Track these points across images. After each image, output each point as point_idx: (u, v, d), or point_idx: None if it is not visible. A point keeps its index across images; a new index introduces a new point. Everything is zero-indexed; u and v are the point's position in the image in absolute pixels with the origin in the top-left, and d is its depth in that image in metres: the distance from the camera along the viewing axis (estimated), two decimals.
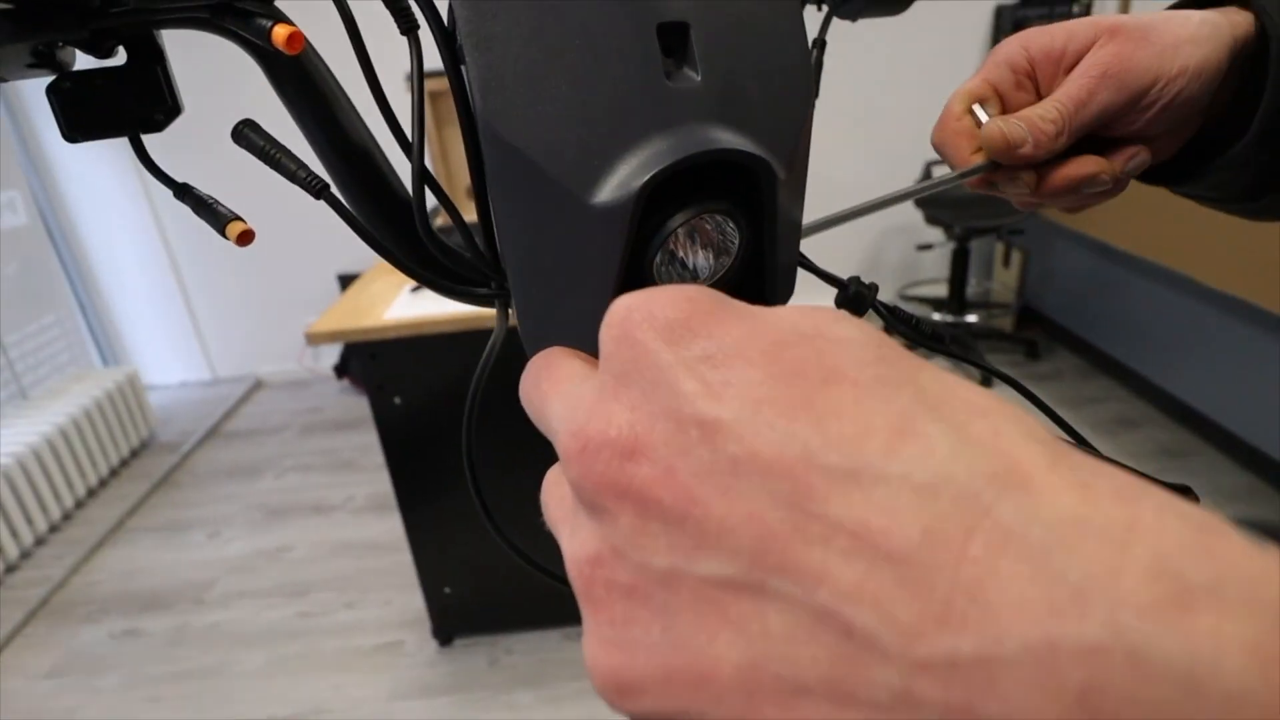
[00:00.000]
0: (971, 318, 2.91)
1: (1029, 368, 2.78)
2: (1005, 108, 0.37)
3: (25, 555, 2.16)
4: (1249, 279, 1.81)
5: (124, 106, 0.26)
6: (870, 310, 0.32)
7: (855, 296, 0.31)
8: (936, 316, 2.90)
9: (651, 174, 0.22)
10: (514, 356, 0.31)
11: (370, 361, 1.39)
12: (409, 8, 0.24)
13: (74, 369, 2.65)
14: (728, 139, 0.23)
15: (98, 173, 2.86)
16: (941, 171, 2.83)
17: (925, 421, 0.12)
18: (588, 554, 0.15)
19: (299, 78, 0.27)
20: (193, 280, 3.06)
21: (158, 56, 0.26)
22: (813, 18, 0.38)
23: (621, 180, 0.22)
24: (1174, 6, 0.37)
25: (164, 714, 1.65)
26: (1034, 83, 0.36)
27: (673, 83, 0.23)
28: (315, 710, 1.63)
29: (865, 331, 0.14)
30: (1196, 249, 1.97)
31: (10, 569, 2.11)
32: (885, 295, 3.22)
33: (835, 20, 0.41)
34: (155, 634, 1.88)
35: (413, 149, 0.23)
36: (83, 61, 0.27)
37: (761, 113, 0.25)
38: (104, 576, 2.10)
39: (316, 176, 0.24)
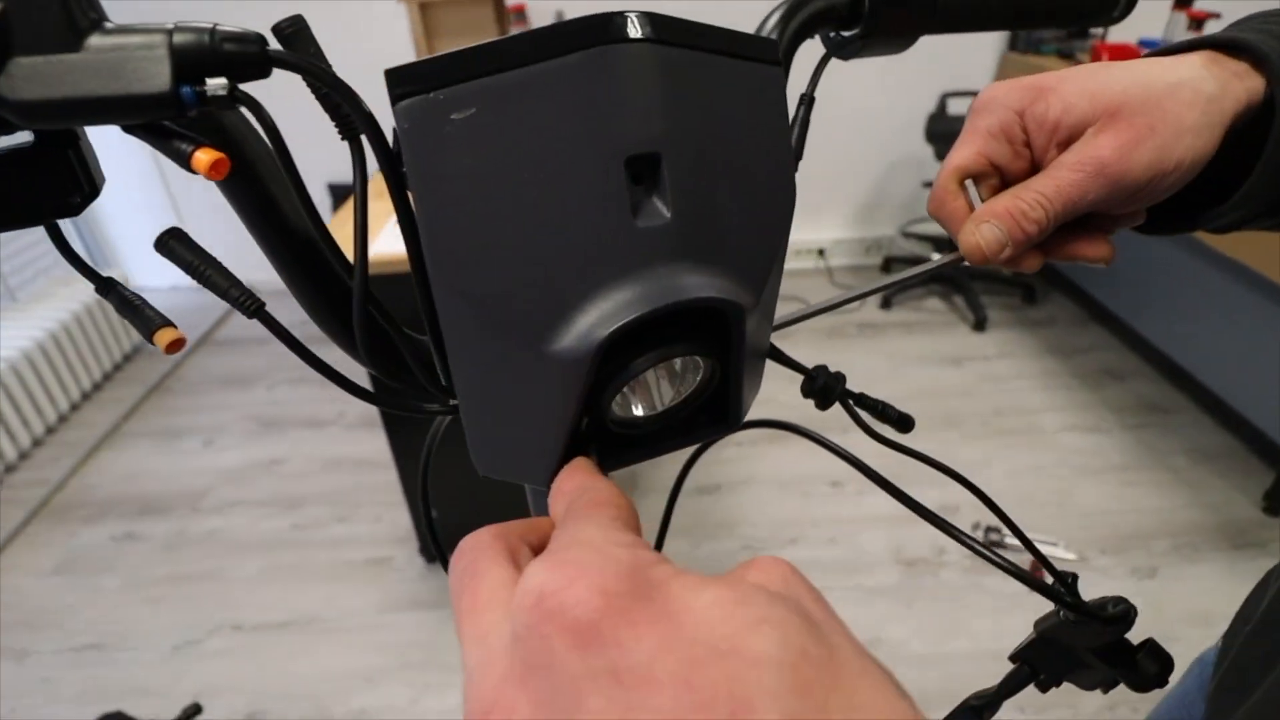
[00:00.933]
0: None
1: (1025, 312, 2.76)
2: (1004, 176, 0.35)
3: (24, 456, 2.21)
4: (1254, 244, 1.78)
5: (32, 194, 0.23)
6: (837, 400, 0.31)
7: (823, 389, 0.31)
8: (936, 256, 2.84)
9: (613, 328, 0.21)
10: None
11: None
12: (350, 114, 0.22)
13: (60, 272, 2.61)
14: (697, 284, 0.22)
15: None
16: (956, 105, 2.70)
17: None
18: None
19: (234, 154, 0.25)
20: (180, 182, 2.97)
21: (70, 138, 0.23)
22: (804, 53, 0.36)
23: (582, 331, 0.21)
24: (1188, 45, 0.34)
25: (164, 615, 1.73)
26: (1030, 149, 0.34)
27: (641, 220, 0.21)
28: (308, 618, 1.72)
29: (785, 645, 0.14)
30: None
31: (9, 469, 2.16)
32: (888, 230, 3.16)
33: None
34: (153, 538, 1.95)
35: (354, 274, 0.22)
36: None
37: (736, 241, 0.23)
38: (102, 480, 2.15)
39: (251, 296, 0.22)
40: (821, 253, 3.14)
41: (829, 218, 3.11)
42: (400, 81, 0.19)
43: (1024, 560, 1.74)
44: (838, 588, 1.69)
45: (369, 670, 1.58)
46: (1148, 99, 0.31)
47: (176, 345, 0.24)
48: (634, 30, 0.21)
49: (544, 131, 0.20)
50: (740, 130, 0.23)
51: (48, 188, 0.23)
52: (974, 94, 2.65)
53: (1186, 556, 1.71)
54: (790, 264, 3.14)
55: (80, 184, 0.24)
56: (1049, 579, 0.38)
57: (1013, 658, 0.41)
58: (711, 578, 0.16)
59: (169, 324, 0.24)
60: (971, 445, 2.09)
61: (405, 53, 2.34)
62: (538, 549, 0.21)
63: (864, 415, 0.33)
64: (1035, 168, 0.34)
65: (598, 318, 0.21)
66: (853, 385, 0.32)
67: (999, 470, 1.99)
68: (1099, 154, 0.31)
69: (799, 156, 0.33)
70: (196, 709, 1.29)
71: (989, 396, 2.30)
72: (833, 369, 0.31)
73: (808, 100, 0.33)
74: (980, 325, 2.65)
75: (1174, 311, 2.23)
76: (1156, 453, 2.03)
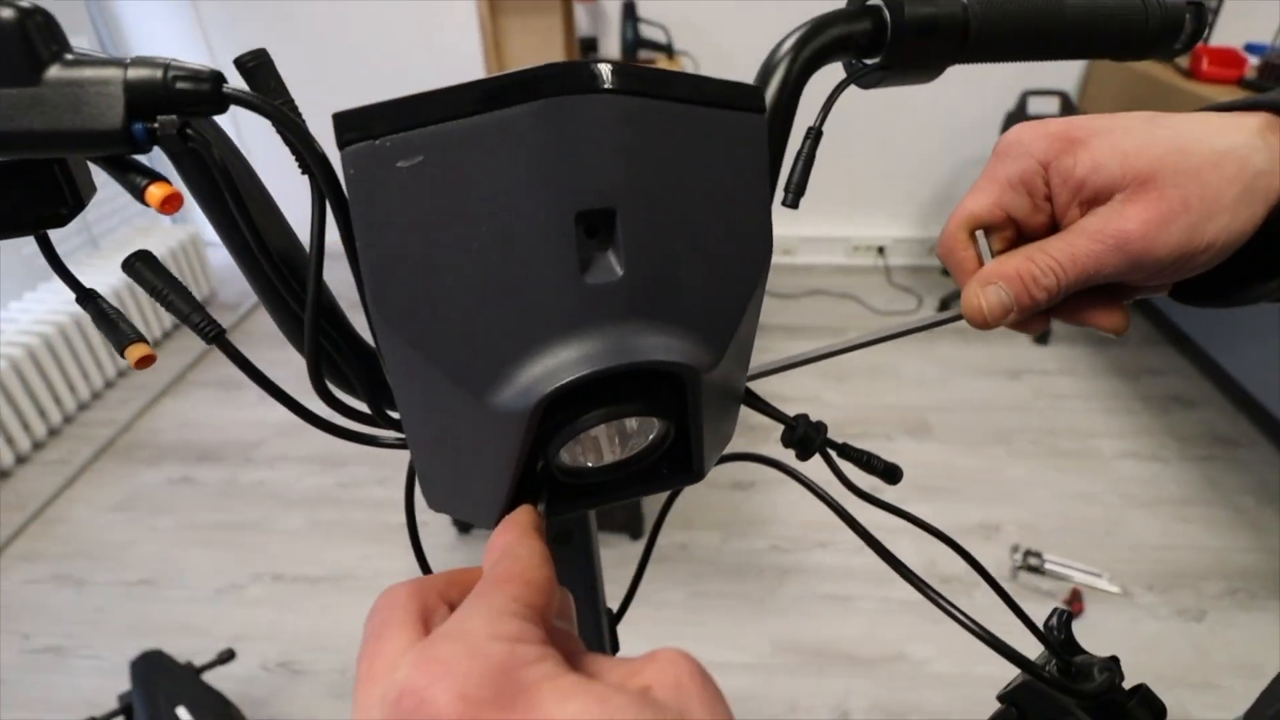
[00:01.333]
0: None
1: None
2: (1020, 229, 0.33)
3: (96, 396, 2.35)
4: None
5: (19, 206, 0.23)
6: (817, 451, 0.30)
7: (803, 439, 0.29)
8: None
9: (554, 388, 0.20)
10: None
11: None
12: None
13: (141, 221, 2.74)
14: (648, 346, 0.21)
15: (157, 28, 2.83)
16: (1037, 104, 2.56)
17: None
18: None
19: (206, 179, 0.25)
20: (254, 139, 3.07)
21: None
22: (818, 80, 0.34)
23: (523, 387, 0.21)
24: (1250, 104, 0.31)
25: (212, 558, 1.82)
26: (1050, 203, 0.32)
27: (591, 276, 0.21)
28: (344, 574, 1.78)
29: None
30: None
31: (83, 407, 2.30)
32: None
33: None
34: (207, 484, 2.05)
35: (305, 307, 0.22)
36: None
37: (697, 298, 0.22)
38: (164, 425, 2.27)
39: (211, 321, 0.23)
40: (881, 250, 3.05)
41: (891, 215, 3.01)
42: (347, 126, 0.19)
43: (1059, 587, 1.67)
44: (863, 598, 1.66)
45: None
46: (1184, 169, 0.28)
47: (146, 361, 0.24)
48: (595, 80, 0.20)
49: (491, 183, 0.20)
50: (712, 182, 0.22)
51: (34, 200, 0.24)
52: (1058, 94, 2.52)
53: (1240, 602, 1.62)
54: (847, 260, 3.06)
55: (65, 198, 0.24)
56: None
57: (1000, 698, 0.40)
58: (589, 681, 0.15)
59: (141, 339, 0.25)
60: (1018, 463, 2.01)
61: (473, 35, 2.35)
62: (458, 605, 0.20)
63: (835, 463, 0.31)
64: (1055, 224, 0.32)
65: (540, 374, 0.21)
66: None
67: (1046, 493, 1.91)
68: (1123, 227, 0.28)
69: (801, 192, 0.32)
70: (230, 654, 1.36)
71: (1044, 414, 2.21)
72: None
73: (815, 134, 0.32)
74: (1043, 338, 2.54)
75: (1254, 340, 2.09)
76: (1220, 488, 1.92)
